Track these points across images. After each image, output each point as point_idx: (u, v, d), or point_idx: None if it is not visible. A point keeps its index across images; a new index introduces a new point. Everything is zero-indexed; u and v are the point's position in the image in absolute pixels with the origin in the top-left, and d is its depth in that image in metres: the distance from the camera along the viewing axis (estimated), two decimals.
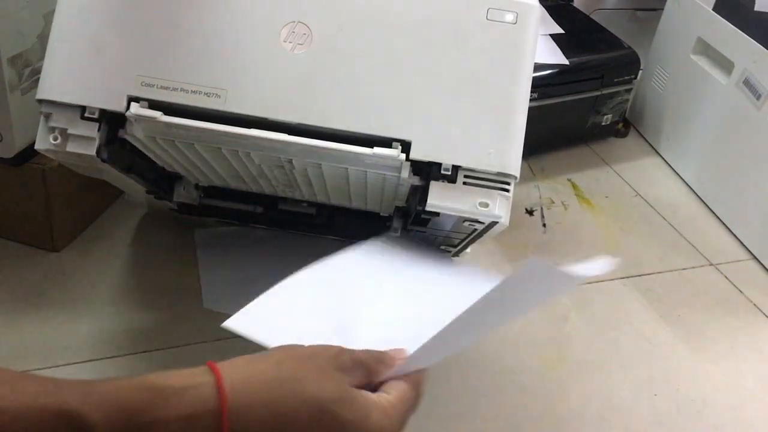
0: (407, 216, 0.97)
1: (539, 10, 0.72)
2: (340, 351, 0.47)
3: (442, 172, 0.75)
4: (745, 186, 1.24)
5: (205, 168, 0.87)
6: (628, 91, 1.41)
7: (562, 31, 1.35)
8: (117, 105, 0.68)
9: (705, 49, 1.32)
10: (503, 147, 0.75)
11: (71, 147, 0.69)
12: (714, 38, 1.29)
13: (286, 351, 0.47)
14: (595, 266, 0.53)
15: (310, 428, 0.41)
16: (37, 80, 0.69)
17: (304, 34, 0.69)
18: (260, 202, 1.02)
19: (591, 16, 1.53)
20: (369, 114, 0.72)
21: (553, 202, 1.29)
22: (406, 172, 0.76)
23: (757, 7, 1.19)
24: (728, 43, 1.25)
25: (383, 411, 0.47)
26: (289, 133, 0.69)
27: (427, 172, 0.76)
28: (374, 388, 0.49)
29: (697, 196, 1.35)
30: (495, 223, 0.89)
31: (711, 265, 1.20)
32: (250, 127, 0.68)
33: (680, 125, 1.40)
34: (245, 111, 0.68)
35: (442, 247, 1.08)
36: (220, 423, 0.39)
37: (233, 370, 0.43)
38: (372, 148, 0.72)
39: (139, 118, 0.70)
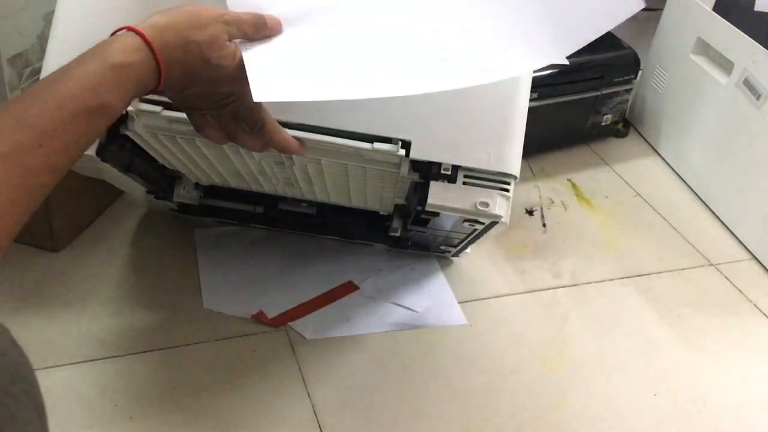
0: (407, 216, 0.97)
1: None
2: (225, 11, 0.59)
3: (442, 171, 0.75)
4: (745, 186, 1.24)
5: (205, 165, 0.87)
6: (628, 91, 1.41)
7: None
8: None
9: (705, 49, 1.32)
10: (503, 147, 0.75)
11: None
12: (714, 38, 1.29)
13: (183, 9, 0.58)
14: None
15: (194, 63, 0.56)
16: (37, 80, 0.69)
17: None
18: (260, 202, 1.02)
19: None
20: (370, 114, 0.72)
21: (553, 202, 1.29)
22: (405, 169, 0.76)
23: (757, 7, 1.19)
24: (728, 43, 1.25)
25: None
26: (289, 129, 0.69)
27: (427, 171, 0.76)
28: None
29: (697, 196, 1.35)
30: (495, 222, 0.89)
31: (711, 265, 1.20)
32: None
33: (680, 125, 1.40)
34: None
35: (442, 247, 1.08)
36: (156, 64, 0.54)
37: (153, 32, 0.55)
38: (372, 143, 0.72)
39: (141, 113, 0.70)
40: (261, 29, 0.60)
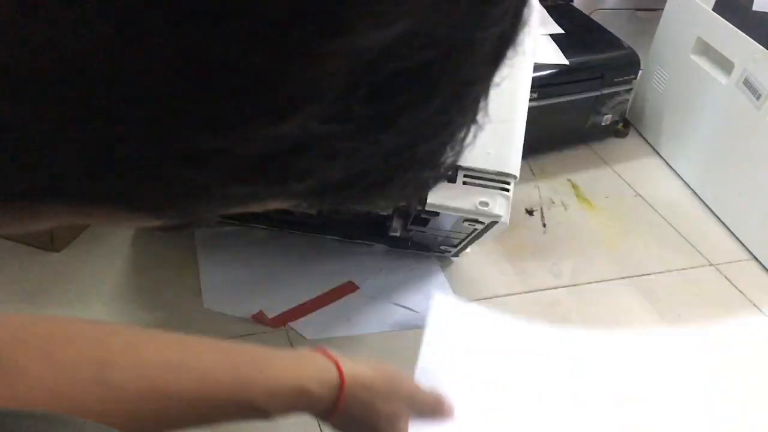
0: (407, 216, 0.97)
1: (538, 10, 0.72)
2: (418, 391, 0.62)
3: None
4: (745, 186, 1.24)
5: None
6: (628, 91, 1.41)
7: (562, 31, 1.35)
8: None
9: (705, 49, 1.32)
10: (503, 146, 0.75)
11: None
12: (714, 38, 1.29)
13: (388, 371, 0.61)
14: None
15: (363, 423, 0.57)
16: None
17: None
18: None
19: (591, 16, 1.53)
20: None
21: (553, 202, 1.29)
22: None
23: (755, 7, 1.19)
24: (728, 43, 1.25)
25: None
26: None
27: None
28: None
29: (697, 196, 1.35)
30: (495, 222, 0.89)
31: (711, 265, 1.20)
32: None
33: (680, 125, 1.40)
34: None
35: (442, 247, 1.08)
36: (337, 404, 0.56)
37: (350, 382, 0.56)
38: None
39: None
40: (437, 413, 0.62)
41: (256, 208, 0.24)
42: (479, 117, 0.23)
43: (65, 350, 0.50)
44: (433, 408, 0.62)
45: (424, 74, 0.19)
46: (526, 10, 0.21)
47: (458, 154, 0.24)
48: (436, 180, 0.25)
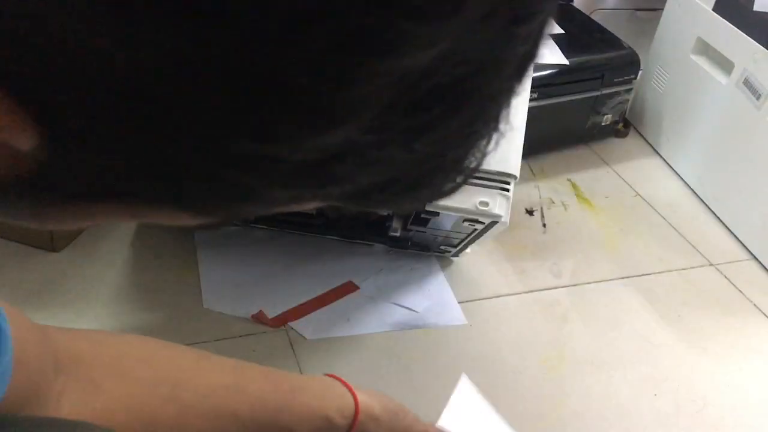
0: (407, 216, 0.97)
1: None
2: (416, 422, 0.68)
3: None
4: (745, 186, 1.24)
5: None
6: (628, 91, 1.41)
7: (562, 31, 1.35)
8: None
9: (705, 49, 1.32)
10: (503, 146, 0.75)
11: None
12: (714, 38, 1.29)
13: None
14: None
15: None
16: None
17: None
18: None
19: (591, 16, 1.53)
20: None
21: (553, 202, 1.29)
22: None
23: (756, 7, 1.19)
24: (728, 43, 1.25)
25: None
26: None
27: None
28: None
29: (697, 196, 1.35)
30: (495, 222, 0.89)
31: (711, 265, 1.20)
32: None
33: (680, 125, 1.40)
34: None
35: (442, 247, 1.08)
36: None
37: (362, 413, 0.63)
38: None
39: None
40: None
41: (294, 209, 0.26)
42: (501, 125, 0.25)
43: (139, 369, 0.53)
44: None
45: (456, 89, 0.21)
46: (548, 29, 0.23)
47: (481, 159, 0.25)
48: (460, 184, 0.27)
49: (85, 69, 0.19)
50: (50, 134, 0.21)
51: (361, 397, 0.63)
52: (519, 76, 0.23)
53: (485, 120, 0.24)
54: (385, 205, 0.27)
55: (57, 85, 0.19)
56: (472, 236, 0.98)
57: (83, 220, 0.27)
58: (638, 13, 1.86)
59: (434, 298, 1.05)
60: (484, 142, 0.25)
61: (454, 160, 0.25)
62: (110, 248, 1.08)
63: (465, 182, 0.26)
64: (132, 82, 0.19)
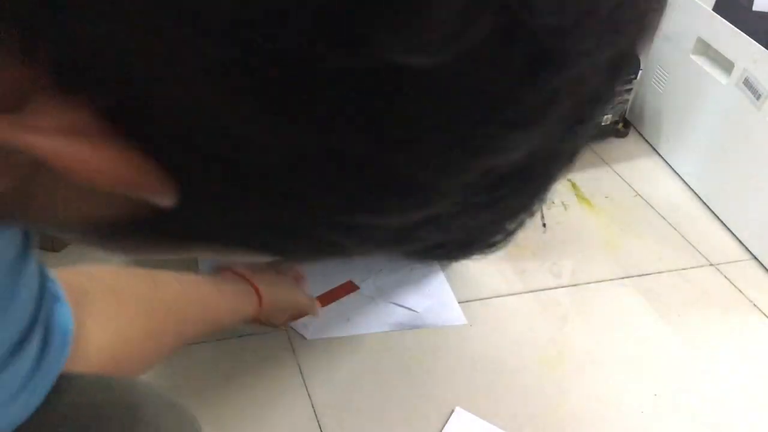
0: None
1: None
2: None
3: None
4: (745, 186, 1.24)
5: None
6: (628, 91, 1.41)
7: None
8: None
9: (705, 49, 1.32)
10: None
11: None
12: (714, 38, 1.29)
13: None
14: None
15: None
16: None
17: None
18: None
19: None
20: None
21: (553, 202, 1.29)
22: None
23: (756, 7, 1.19)
24: (728, 43, 1.25)
25: None
26: None
27: None
28: None
29: (697, 196, 1.35)
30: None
31: (711, 265, 1.20)
32: None
33: (680, 125, 1.40)
34: None
35: None
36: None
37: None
38: None
39: None
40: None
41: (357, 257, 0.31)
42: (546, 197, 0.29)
43: (130, 293, 0.64)
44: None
45: (524, 174, 0.25)
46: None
47: (524, 222, 0.30)
48: (503, 243, 0.31)
49: (227, 147, 0.22)
50: (183, 193, 0.24)
51: (257, 281, 0.80)
52: (572, 161, 0.27)
53: (541, 197, 0.28)
54: (439, 258, 0.32)
55: (201, 156, 0.23)
56: None
57: (174, 254, 0.30)
58: None
59: (434, 297, 1.05)
60: (531, 211, 0.29)
61: (507, 226, 0.29)
62: None
63: (507, 241, 0.30)
64: (268, 163, 0.22)
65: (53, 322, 0.42)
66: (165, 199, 0.24)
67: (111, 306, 0.59)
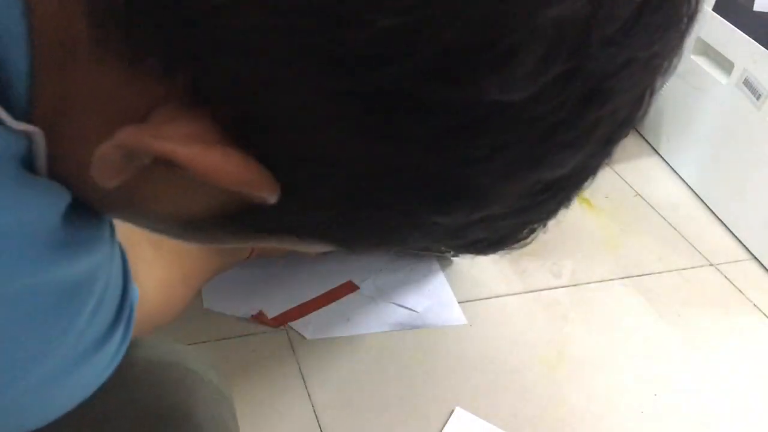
0: None
1: None
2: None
3: None
4: (745, 186, 1.24)
5: None
6: None
7: None
8: None
9: (705, 49, 1.32)
10: None
11: None
12: (714, 38, 1.29)
13: None
14: None
15: None
16: None
17: None
18: None
19: None
20: None
21: None
22: None
23: (756, 8, 1.19)
24: (728, 43, 1.25)
25: None
26: None
27: None
28: None
29: (697, 196, 1.35)
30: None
31: (711, 265, 1.20)
32: None
33: (680, 125, 1.40)
34: None
35: (442, 247, 1.08)
36: None
37: None
38: None
39: None
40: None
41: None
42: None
43: (158, 258, 0.64)
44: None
45: (560, 185, 0.30)
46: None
47: (547, 223, 0.34)
48: (528, 240, 0.35)
49: (331, 157, 0.27)
50: (284, 192, 0.28)
51: None
52: (595, 174, 0.32)
53: (569, 203, 0.33)
54: (476, 252, 0.36)
55: (306, 163, 0.27)
56: None
57: (246, 244, 0.35)
58: None
59: (434, 298, 1.05)
60: (556, 214, 0.34)
61: (535, 226, 0.34)
62: None
63: (531, 238, 0.35)
64: (364, 172, 0.27)
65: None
66: (270, 198, 0.28)
67: (148, 251, 0.61)
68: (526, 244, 0.35)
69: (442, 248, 1.08)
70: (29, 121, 0.28)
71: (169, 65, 0.26)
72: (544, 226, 0.34)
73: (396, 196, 0.28)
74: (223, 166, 0.26)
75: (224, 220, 0.31)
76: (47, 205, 0.29)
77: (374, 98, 0.25)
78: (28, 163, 0.29)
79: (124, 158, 0.27)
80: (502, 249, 0.36)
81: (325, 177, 0.28)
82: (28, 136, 0.28)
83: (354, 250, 0.35)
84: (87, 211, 0.32)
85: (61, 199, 0.30)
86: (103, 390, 0.38)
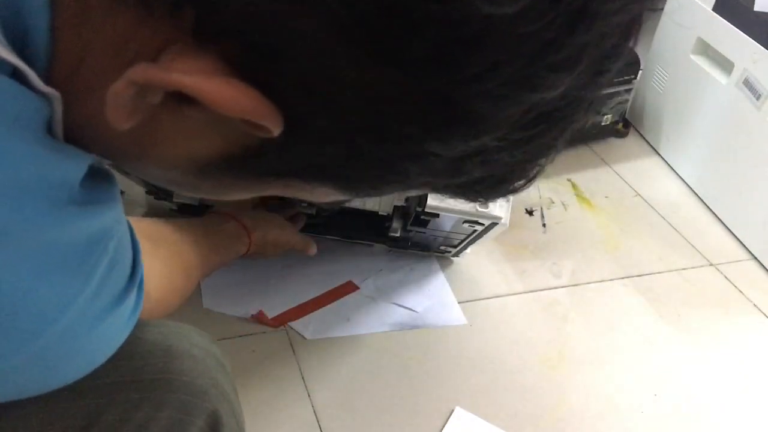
0: (407, 217, 0.97)
1: None
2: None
3: None
4: (745, 186, 1.24)
5: None
6: (628, 91, 1.41)
7: None
8: None
9: (705, 49, 1.32)
10: None
11: None
12: (714, 38, 1.29)
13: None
14: None
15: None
16: None
17: None
18: None
19: None
20: None
21: (553, 202, 1.29)
22: None
23: (756, 7, 1.19)
24: (728, 43, 1.25)
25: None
26: None
27: None
28: None
29: (697, 196, 1.35)
30: (495, 224, 0.89)
31: (711, 265, 1.20)
32: None
33: (680, 125, 1.40)
34: None
35: (442, 248, 1.08)
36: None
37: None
38: None
39: None
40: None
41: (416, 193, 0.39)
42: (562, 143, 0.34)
43: (157, 252, 0.66)
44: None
45: (555, 115, 0.31)
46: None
47: (542, 170, 0.35)
48: (526, 185, 0.36)
49: (332, 86, 0.28)
50: (288, 128, 0.29)
51: (249, 224, 0.89)
52: (587, 111, 0.33)
53: (563, 138, 0.33)
54: (475, 195, 0.37)
55: (308, 94, 0.28)
56: (472, 237, 0.98)
57: (255, 192, 0.36)
58: None
59: (434, 298, 1.05)
60: (551, 156, 0.34)
61: (532, 165, 0.35)
62: None
63: (529, 184, 0.36)
64: (363, 99, 0.28)
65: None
66: (275, 129, 0.29)
67: (147, 245, 0.62)
68: (524, 188, 0.36)
69: (440, 248, 1.09)
70: (48, 82, 0.30)
71: (175, 4, 0.27)
72: (542, 167, 0.35)
73: (395, 122, 0.29)
74: (226, 93, 0.28)
75: (230, 162, 0.33)
76: (72, 166, 0.32)
77: (372, 20, 0.26)
78: (48, 127, 0.31)
79: (136, 96, 0.29)
80: (503, 192, 0.36)
81: (327, 106, 0.29)
82: (48, 99, 0.30)
83: (356, 192, 0.35)
84: (101, 173, 0.35)
85: (84, 161, 0.33)
86: (116, 358, 0.40)
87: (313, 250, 0.99)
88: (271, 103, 0.29)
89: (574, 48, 0.28)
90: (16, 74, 0.28)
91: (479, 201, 0.38)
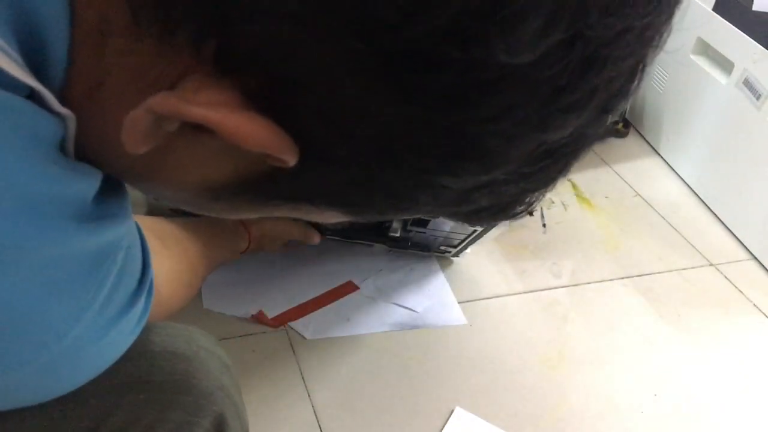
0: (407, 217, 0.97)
1: None
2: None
3: None
4: (745, 186, 1.24)
5: None
6: None
7: None
8: None
9: (705, 49, 1.32)
10: None
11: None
12: (714, 38, 1.29)
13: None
14: None
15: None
16: None
17: None
18: None
19: None
20: None
21: (553, 202, 1.29)
22: None
23: (755, 7, 1.19)
24: (728, 43, 1.25)
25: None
26: None
27: None
28: None
29: (697, 196, 1.35)
30: (495, 224, 0.89)
31: (711, 265, 1.20)
32: None
33: (680, 125, 1.40)
34: None
35: (442, 247, 1.08)
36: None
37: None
38: None
39: None
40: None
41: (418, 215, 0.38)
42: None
43: (164, 251, 0.67)
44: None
45: (560, 151, 0.32)
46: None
47: (542, 197, 0.36)
48: (524, 212, 0.37)
49: (350, 118, 0.28)
50: (303, 157, 0.30)
51: (252, 229, 0.92)
52: (591, 146, 0.34)
53: (567, 171, 0.34)
54: (478, 221, 0.38)
55: (325, 125, 0.29)
56: (472, 237, 0.98)
57: (265, 213, 0.37)
58: None
59: (434, 298, 1.05)
60: (554, 186, 0.36)
61: (535, 195, 0.36)
62: None
63: (526, 212, 0.37)
64: (379, 132, 0.29)
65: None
66: (291, 160, 0.30)
67: (156, 244, 0.63)
68: (524, 215, 0.37)
69: (440, 248, 1.09)
70: (63, 101, 0.30)
71: (198, 35, 0.28)
72: (543, 195, 0.36)
73: (410, 154, 0.30)
74: (247, 128, 0.28)
75: (243, 187, 0.33)
76: (85, 184, 0.32)
77: (393, 58, 0.26)
78: (61, 145, 0.31)
79: (153, 124, 0.29)
80: (502, 219, 0.37)
81: (344, 138, 0.29)
82: (63, 119, 0.30)
83: (363, 215, 0.36)
84: (113, 187, 0.35)
85: (96, 179, 0.33)
86: (123, 360, 0.41)
87: (316, 239, 0.99)
88: (288, 135, 0.29)
89: (585, 91, 0.29)
90: (33, 95, 0.29)
91: (480, 225, 0.39)
